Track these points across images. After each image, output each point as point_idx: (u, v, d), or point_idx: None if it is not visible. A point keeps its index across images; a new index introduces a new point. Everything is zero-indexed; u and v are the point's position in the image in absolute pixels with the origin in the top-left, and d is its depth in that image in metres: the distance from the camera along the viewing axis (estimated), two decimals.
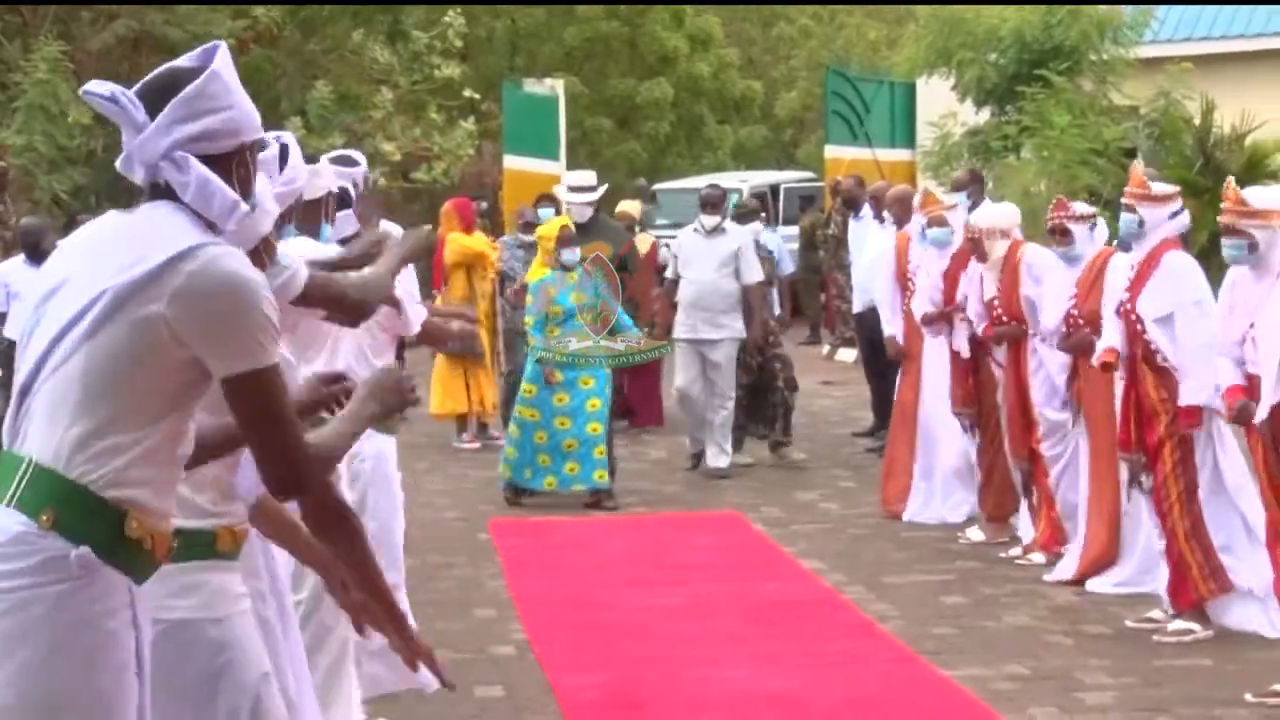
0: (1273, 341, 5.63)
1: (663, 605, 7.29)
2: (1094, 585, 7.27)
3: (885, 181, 13.16)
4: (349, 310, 3.95)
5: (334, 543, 2.97)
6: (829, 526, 8.95)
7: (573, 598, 7.48)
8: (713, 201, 10.78)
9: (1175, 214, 6.62)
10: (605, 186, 11.28)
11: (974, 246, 8.00)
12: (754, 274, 10.58)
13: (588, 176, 11.08)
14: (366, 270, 4.01)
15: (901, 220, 9.96)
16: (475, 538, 8.74)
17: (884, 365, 10.27)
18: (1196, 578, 6.46)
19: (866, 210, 12.42)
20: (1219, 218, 5.92)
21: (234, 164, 2.68)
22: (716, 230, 10.58)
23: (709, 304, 10.39)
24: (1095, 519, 7.40)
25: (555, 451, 9.43)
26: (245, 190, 2.70)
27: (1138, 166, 6.88)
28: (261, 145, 2.77)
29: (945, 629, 6.77)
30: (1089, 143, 15.60)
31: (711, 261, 10.46)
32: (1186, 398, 6.38)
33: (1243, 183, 6.19)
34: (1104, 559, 7.33)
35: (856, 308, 11.83)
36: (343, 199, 4.88)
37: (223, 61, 2.66)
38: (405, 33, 18.08)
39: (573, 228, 9.89)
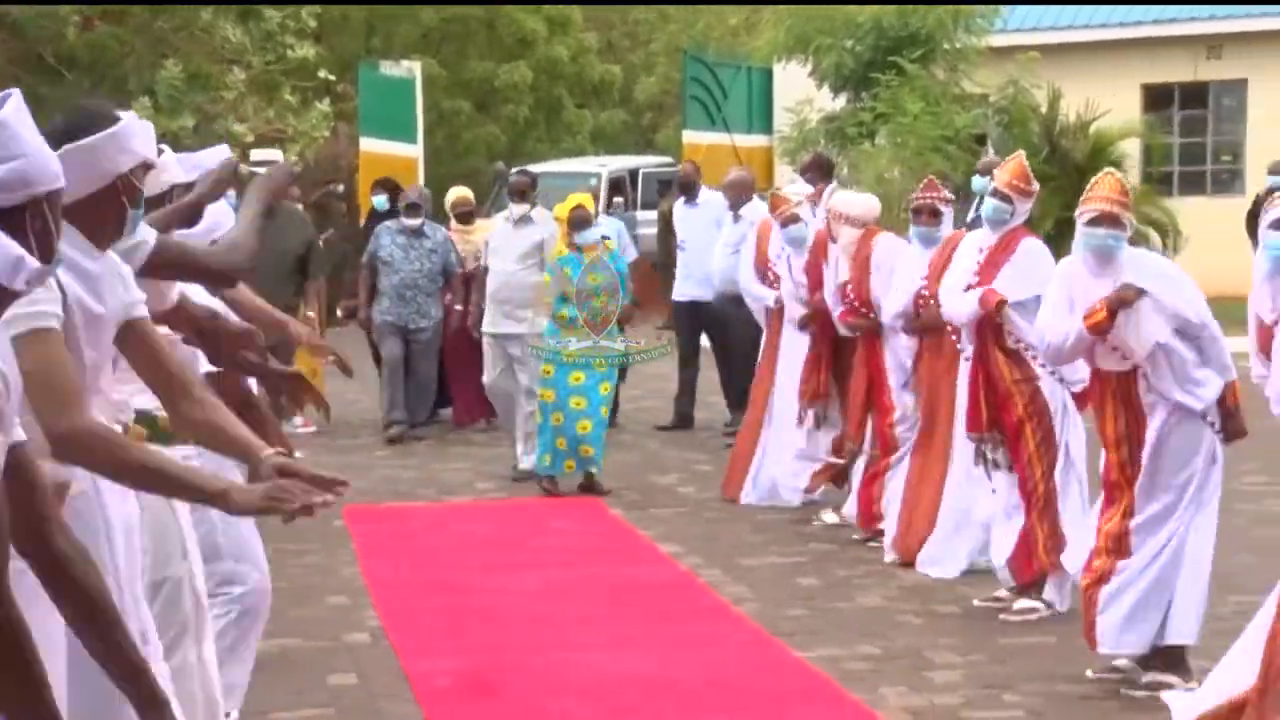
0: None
1: (519, 589, 7.27)
2: (924, 568, 7.36)
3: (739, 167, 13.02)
4: (215, 278, 3.92)
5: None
6: (686, 510, 9.00)
7: (428, 583, 7.43)
8: (519, 189, 10.14)
9: None
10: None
11: (829, 230, 8.10)
12: None
13: (273, 155, 10.28)
14: (230, 233, 3.97)
15: (736, 204, 9.99)
16: (329, 524, 8.61)
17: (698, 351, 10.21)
18: (1040, 552, 6.60)
19: (705, 196, 11.60)
20: (1098, 206, 5.53)
21: (27, 217, 2.49)
22: (524, 220, 10.08)
23: (507, 296, 9.98)
24: (918, 499, 7.50)
25: (570, 434, 9.14)
26: (44, 244, 2.51)
27: (1021, 159, 6.87)
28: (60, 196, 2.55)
29: (800, 610, 6.85)
30: (941, 130, 15.87)
31: (514, 253, 10.01)
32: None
33: (1089, 171, 6.29)
34: (925, 539, 7.42)
35: (679, 295, 11.41)
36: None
37: (13, 109, 2.50)
38: (257, 11, 17.72)
39: (588, 207, 9.37)
